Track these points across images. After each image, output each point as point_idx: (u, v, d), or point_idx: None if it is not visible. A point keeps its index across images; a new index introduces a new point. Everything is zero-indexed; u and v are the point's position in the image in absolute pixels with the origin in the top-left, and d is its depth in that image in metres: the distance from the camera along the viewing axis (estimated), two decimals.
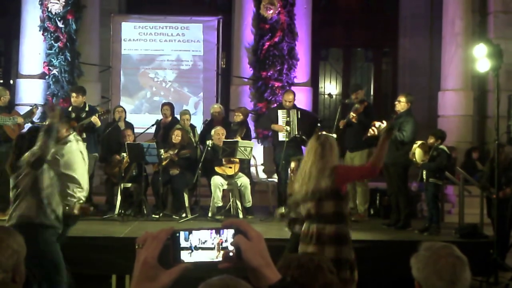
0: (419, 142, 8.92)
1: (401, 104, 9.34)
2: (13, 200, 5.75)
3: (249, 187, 9.85)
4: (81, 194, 6.51)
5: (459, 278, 2.51)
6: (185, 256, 1.56)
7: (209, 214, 9.65)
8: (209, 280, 1.56)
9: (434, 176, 8.89)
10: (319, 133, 9.64)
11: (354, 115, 9.56)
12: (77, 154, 6.63)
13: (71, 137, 6.66)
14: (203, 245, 1.57)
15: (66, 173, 6.38)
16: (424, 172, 8.98)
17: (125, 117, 11.01)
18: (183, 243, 1.57)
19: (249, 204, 9.86)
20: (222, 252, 1.57)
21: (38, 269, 5.57)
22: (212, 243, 1.58)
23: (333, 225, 5.20)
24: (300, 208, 5.47)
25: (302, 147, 10.12)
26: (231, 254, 1.56)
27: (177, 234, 1.57)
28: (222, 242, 1.58)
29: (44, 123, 7.33)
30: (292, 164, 6.93)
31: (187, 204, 9.83)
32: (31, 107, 10.45)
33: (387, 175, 9.39)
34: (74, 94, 10.11)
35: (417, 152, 8.87)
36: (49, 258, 5.65)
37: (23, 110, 10.71)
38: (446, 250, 2.58)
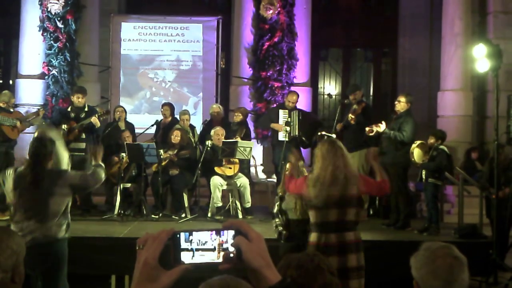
0: (417, 142, 8.91)
1: (401, 104, 9.33)
2: (38, 219, 5.34)
3: (248, 187, 9.84)
4: None
5: (456, 279, 2.51)
6: (185, 257, 1.56)
7: (209, 215, 9.65)
8: (210, 280, 1.57)
9: (433, 176, 8.90)
10: (320, 133, 9.71)
11: (353, 116, 9.55)
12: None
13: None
14: (203, 246, 1.57)
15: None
16: (424, 172, 8.98)
17: (126, 117, 11.01)
18: (183, 244, 1.57)
19: (248, 205, 9.85)
20: (222, 253, 1.57)
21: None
22: (212, 244, 1.58)
23: (351, 232, 5.19)
24: (308, 213, 5.44)
25: (302, 148, 10.14)
26: (231, 255, 1.56)
27: (178, 235, 1.57)
28: (222, 243, 1.58)
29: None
30: (288, 165, 6.85)
31: (186, 205, 9.83)
32: (37, 109, 10.44)
33: (387, 175, 9.37)
34: (80, 95, 10.05)
35: (416, 152, 8.87)
36: (64, 268, 5.63)
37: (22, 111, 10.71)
38: (444, 250, 2.58)
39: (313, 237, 5.29)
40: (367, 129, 9.16)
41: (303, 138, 10.07)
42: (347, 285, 5.00)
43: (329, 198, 5.16)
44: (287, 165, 6.78)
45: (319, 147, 5.45)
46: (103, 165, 5.74)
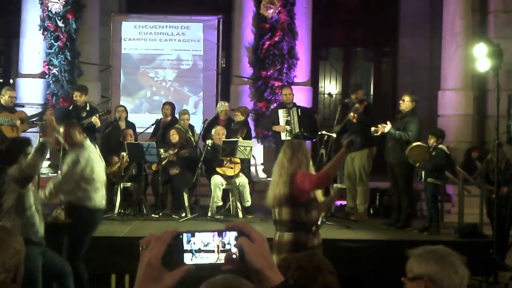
0: (410, 146, 8.87)
1: (406, 103, 9.32)
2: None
3: (247, 186, 9.84)
4: (98, 197, 6.64)
5: (466, 274, 2.58)
6: (188, 258, 1.56)
7: (209, 214, 9.65)
8: (212, 279, 1.59)
9: (432, 175, 8.89)
10: (320, 132, 9.71)
11: (355, 115, 9.54)
12: (95, 156, 6.72)
13: (87, 141, 6.76)
14: (205, 248, 1.58)
15: (86, 177, 6.48)
16: (423, 172, 8.98)
17: (127, 117, 11.01)
18: (185, 246, 1.57)
19: (248, 204, 9.85)
20: (224, 254, 1.57)
21: None
22: (214, 246, 1.58)
23: (291, 233, 5.20)
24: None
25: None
26: (234, 256, 1.57)
27: (181, 236, 1.57)
28: (224, 245, 1.58)
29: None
30: None
31: (186, 204, 9.83)
32: (42, 109, 10.43)
33: (392, 174, 9.39)
34: (77, 93, 10.12)
35: (411, 155, 8.84)
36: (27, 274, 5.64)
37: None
38: (447, 249, 2.62)
39: (274, 235, 5.42)
40: (372, 129, 9.17)
41: (305, 134, 10.09)
42: None
43: (274, 198, 5.30)
44: None
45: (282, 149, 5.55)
46: (47, 143, 5.78)
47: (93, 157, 6.64)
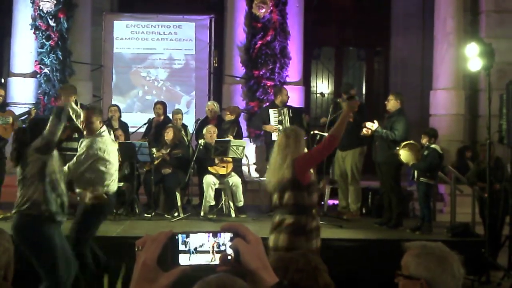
0: (402, 144, 8.90)
1: (391, 102, 9.38)
2: (20, 188, 5.77)
3: (240, 186, 9.84)
4: (112, 182, 6.82)
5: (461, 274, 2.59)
6: (183, 259, 1.56)
7: (201, 213, 9.64)
8: (206, 278, 1.58)
9: (425, 175, 8.92)
10: (312, 132, 9.72)
11: (350, 114, 9.53)
12: (111, 144, 6.90)
13: (104, 128, 6.94)
14: (200, 249, 1.58)
15: (102, 162, 6.68)
16: (416, 171, 9.00)
17: (120, 116, 10.97)
18: (181, 246, 1.57)
19: (240, 203, 9.85)
20: (218, 255, 1.57)
21: (35, 262, 5.64)
22: (209, 247, 1.58)
23: (292, 215, 5.25)
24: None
25: None
26: (229, 257, 1.57)
27: (176, 237, 1.57)
28: (219, 245, 1.58)
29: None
30: None
31: (179, 203, 9.81)
32: (29, 108, 10.39)
33: (380, 173, 9.41)
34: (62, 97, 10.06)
35: (403, 154, 8.87)
36: (46, 254, 5.67)
37: (16, 110, 10.66)
38: (446, 248, 2.62)
39: (273, 218, 5.53)
40: (364, 130, 9.18)
41: None
42: None
43: (269, 184, 5.47)
44: None
45: (278, 137, 5.72)
46: (65, 106, 6.03)
47: (108, 143, 6.80)
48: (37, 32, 12.54)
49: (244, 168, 11.37)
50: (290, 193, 5.32)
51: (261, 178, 11.77)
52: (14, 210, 5.79)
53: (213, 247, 1.58)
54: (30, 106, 11.81)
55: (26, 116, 10.05)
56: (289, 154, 5.35)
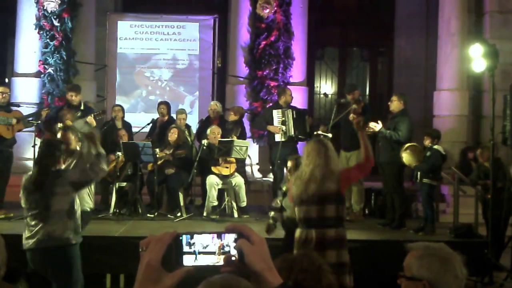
0: (405, 146, 8.89)
1: (394, 103, 9.37)
2: (42, 219, 5.40)
3: (243, 186, 9.84)
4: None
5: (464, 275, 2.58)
6: (187, 260, 1.57)
7: (204, 214, 9.64)
8: (211, 278, 1.59)
9: (428, 176, 8.91)
10: (316, 132, 9.71)
11: (355, 116, 9.52)
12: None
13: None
14: (205, 250, 1.59)
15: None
16: (419, 172, 8.99)
17: (123, 116, 10.99)
18: (185, 248, 1.58)
19: (243, 204, 9.85)
20: (223, 256, 1.58)
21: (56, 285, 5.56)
22: (214, 248, 1.59)
23: (332, 229, 5.22)
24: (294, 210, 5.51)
25: (298, 146, 10.16)
26: (233, 258, 1.57)
27: (180, 238, 1.58)
28: (223, 246, 1.59)
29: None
30: (289, 163, 6.91)
31: (182, 204, 9.83)
32: (38, 108, 10.37)
33: (383, 174, 9.41)
34: (72, 93, 10.06)
35: (405, 156, 8.86)
36: (71, 274, 5.61)
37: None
38: (449, 249, 2.62)
39: (297, 233, 5.40)
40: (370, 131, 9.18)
41: (300, 137, 10.09)
42: None
43: (308, 195, 5.28)
44: (289, 163, 6.86)
45: (307, 145, 5.61)
46: (103, 152, 5.67)
47: None
48: (41, 32, 12.54)
49: (247, 169, 11.38)
50: (333, 206, 5.26)
51: (264, 179, 11.78)
52: (33, 245, 5.42)
53: (219, 248, 1.58)
54: (33, 106, 11.85)
55: (33, 117, 10.04)
56: (333, 166, 5.31)
